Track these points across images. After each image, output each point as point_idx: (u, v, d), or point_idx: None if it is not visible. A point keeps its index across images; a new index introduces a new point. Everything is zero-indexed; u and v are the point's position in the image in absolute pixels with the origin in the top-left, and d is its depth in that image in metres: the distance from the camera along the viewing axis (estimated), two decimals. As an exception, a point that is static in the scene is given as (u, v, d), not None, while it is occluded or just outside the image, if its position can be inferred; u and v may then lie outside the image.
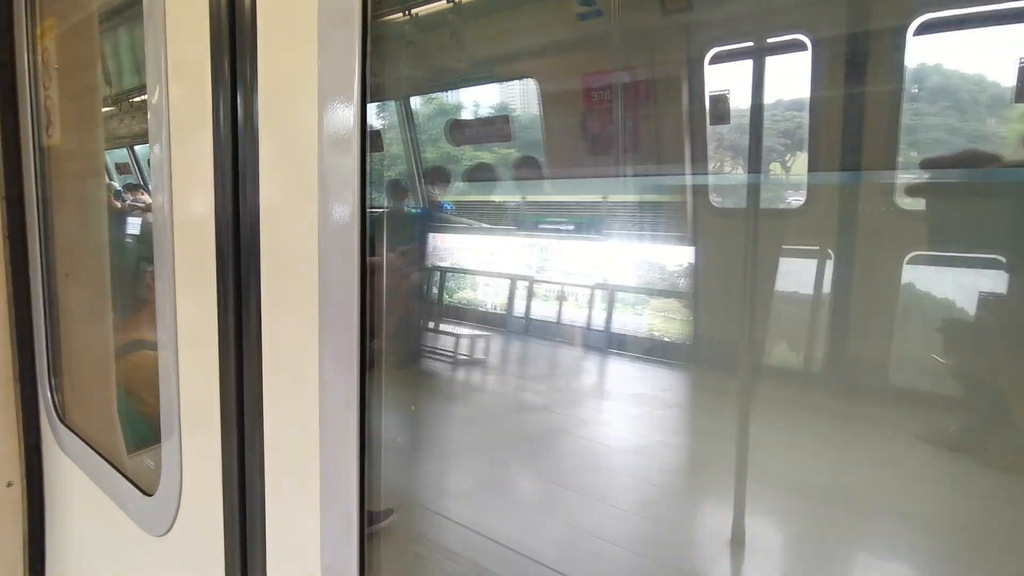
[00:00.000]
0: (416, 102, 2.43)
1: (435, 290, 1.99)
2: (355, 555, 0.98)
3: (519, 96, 2.00)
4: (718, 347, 1.35)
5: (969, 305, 0.91)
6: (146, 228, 3.15)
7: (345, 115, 0.91)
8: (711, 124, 1.43)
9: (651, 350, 1.56)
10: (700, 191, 1.42)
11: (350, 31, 0.89)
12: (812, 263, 1.14)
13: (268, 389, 1.13)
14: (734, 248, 1.24)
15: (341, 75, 0.91)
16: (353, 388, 0.95)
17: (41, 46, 1.93)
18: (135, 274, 2.42)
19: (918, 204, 1.02)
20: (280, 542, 1.15)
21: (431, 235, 2.07)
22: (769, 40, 1.22)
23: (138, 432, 2.02)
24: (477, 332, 1.94)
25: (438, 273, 1.97)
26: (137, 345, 2.30)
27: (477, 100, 2.05)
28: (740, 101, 1.34)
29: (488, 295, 2.04)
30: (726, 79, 1.37)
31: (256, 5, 1.06)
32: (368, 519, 1.00)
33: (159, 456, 1.47)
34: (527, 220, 1.84)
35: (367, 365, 0.95)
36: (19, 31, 1.97)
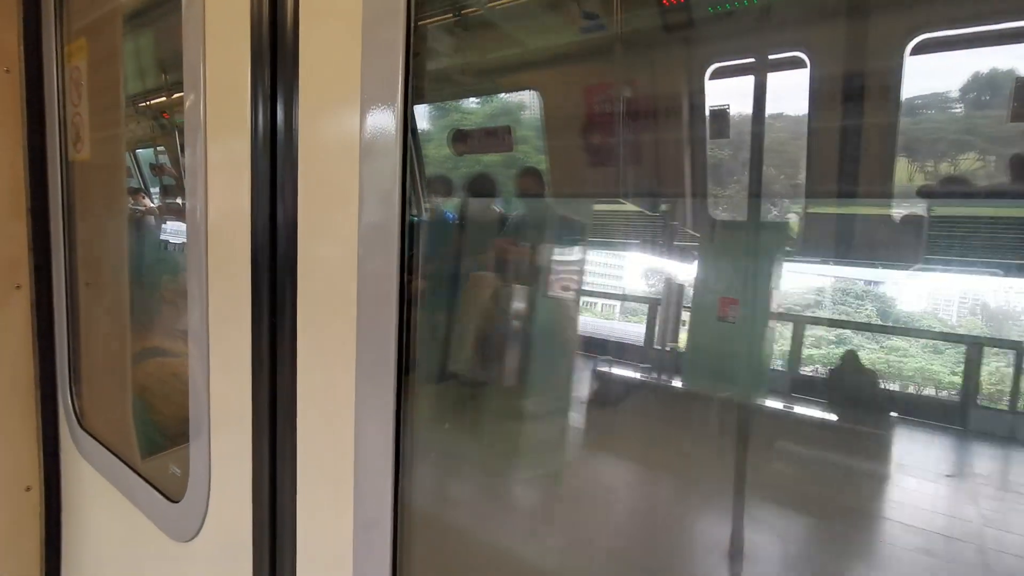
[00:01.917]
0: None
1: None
2: (388, 567, 1.00)
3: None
4: None
5: None
6: (155, 236, 3.20)
7: (387, 122, 0.92)
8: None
9: None
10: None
11: (394, 36, 0.90)
12: None
13: (302, 396, 1.14)
14: None
15: (384, 81, 0.92)
16: (390, 397, 0.96)
17: (71, 64, 1.99)
18: (150, 282, 2.47)
19: None
20: (311, 550, 1.17)
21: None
22: None
23: (150, 438, 2.07)
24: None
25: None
26: (151, 353, 2.36)
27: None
28: None
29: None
30: None
31: (299, 11, 1.07)
32: None
33: (179, 461, 1.50)
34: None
35: (404, 374, 0.97)
36: (48, 49, 2.03)
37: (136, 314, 2.39)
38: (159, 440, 2.02)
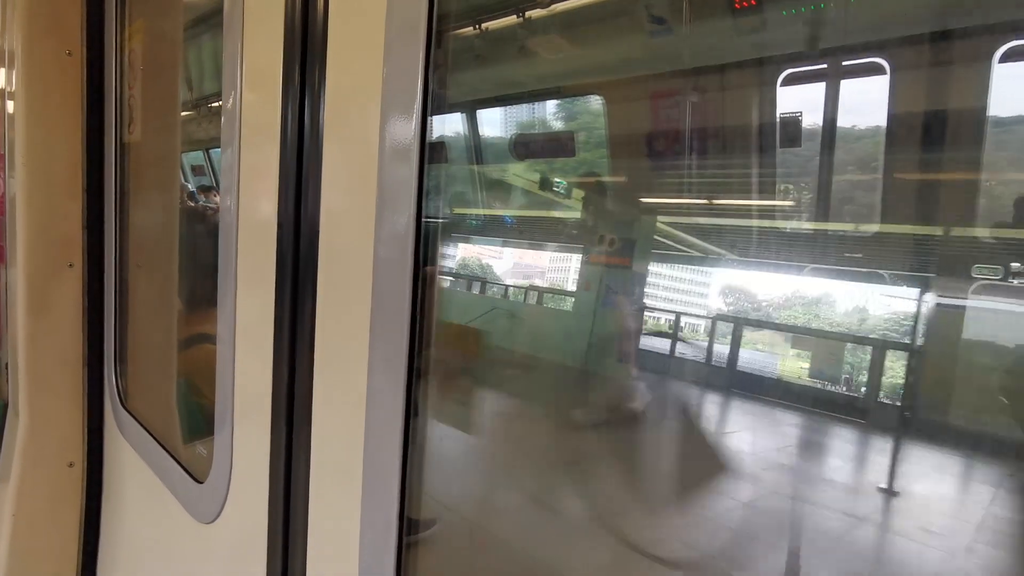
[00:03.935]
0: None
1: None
2: (392, 560, 0.99)
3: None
4: None
5: None
6: (209, 229, 3.27)
7: (406, 125, 0.92)
8: None
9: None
10: None
11: (415, 42, 0.90)
12: None
13: (318, 390, 1.15)
14: None
15: (404, 86, 0.92)
16: (399, 396, 0.96)
17: (129, 47, 2.03)
18: (203, 271, 2.50)
19: None
20: (321, 538, 1.16)
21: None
22: None
23: (195, 424, 2.08)
24: None
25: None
26: (200, 339, 2.38)
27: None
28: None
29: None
30: None
31: (328, 16, 1.08)
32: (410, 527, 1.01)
33: (211, 446, 1.50)
34: None
35: (414, 373, 0.96)
36: (109, 31, 2.08)
37: (189, 301, 2.43)
38: (203, 426, 2.03)
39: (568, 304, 2.04)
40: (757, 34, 1.66)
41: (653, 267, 1.74)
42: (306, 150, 1.15)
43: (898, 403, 1.34)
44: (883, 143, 1.39)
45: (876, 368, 1.33)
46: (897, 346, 1.29)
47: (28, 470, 2.26)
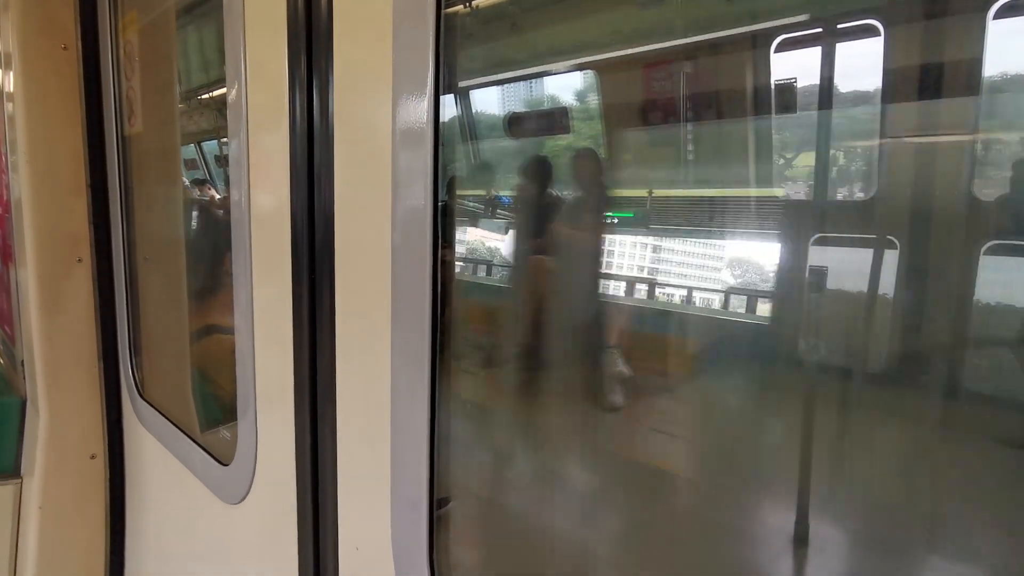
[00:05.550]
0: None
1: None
2: (424, 539, 1.01)
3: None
4: None
5: None
6: (217, 219, 3.29)
7: (418, 109, 0.92)
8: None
9: None
10: None
11: (424, 24, 0.90)
12: None
13: (341, 374, 1.17)
14: None
15: (415, 69, 0.92)
16: (424, 378, 0.97)
17: (124, 39, 2.03)
18: (207, 262, 2.52)
19: None
20: (351, 513, 1.19)
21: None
22: None
23: (211, 413, 2.12)
24: None
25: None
26: (211, 329, 2.41)
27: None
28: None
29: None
30: None
31: (332, 1, 1.08)
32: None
33: (234, 430, 1.54)
34: None
35: (438, 355, 0.97)
36: (103, 24, 2.08)
37: (198, 293, 2.45)
38: (218, 415, 2.06)
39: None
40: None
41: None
42: (316, 137, 1.15)
43: None
44: None
45: None
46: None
47: (52, 464, 2.30)
